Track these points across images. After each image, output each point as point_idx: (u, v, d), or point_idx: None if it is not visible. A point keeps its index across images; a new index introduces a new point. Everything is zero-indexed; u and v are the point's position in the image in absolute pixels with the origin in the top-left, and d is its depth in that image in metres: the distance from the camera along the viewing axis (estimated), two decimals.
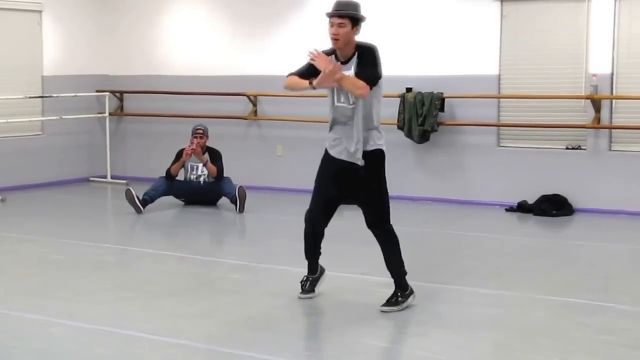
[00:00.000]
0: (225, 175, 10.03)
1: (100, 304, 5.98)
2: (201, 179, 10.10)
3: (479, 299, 6.17)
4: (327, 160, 5.83)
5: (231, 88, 11.52)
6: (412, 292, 5.87)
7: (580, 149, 9.79)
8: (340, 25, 5.56)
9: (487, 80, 10.10)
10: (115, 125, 12.55)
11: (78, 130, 12.22)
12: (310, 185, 5.95)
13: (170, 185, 9.99)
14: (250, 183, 10.65)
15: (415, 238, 8.16)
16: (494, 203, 10.05)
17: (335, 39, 5.60)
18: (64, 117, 11.69)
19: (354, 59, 5.64)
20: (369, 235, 5.86)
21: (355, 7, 5.66)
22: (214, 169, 9.92)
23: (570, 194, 9.71)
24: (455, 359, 4.93)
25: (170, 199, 10.03)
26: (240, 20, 11.62)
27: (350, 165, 5.68)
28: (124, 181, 11.77)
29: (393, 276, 5.85)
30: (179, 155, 10.03)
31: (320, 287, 6.17)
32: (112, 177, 12.14)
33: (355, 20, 5.60)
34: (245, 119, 11.53)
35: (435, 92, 10.10)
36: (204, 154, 10.02)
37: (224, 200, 10.00)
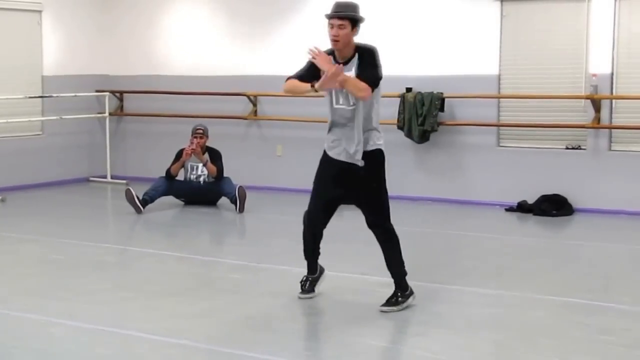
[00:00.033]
0: (225, 175, 10.02)
1: (100, 304, 5.98)
2: (201, 179, 10.09)
3: (479, 299, 6.17)
4: (326, 162, 5.82)
5: (231, 88, 11.52)
6: (412, 292, 5.87)
7: (580, 148, 9.79)
8: (340, 26, 5.54)
9: (487, 80, 10.10)
10: (115, 125, 12.55)
11: (78, 130, 12.22)
12: (310, 185, 5.95)
13: (170, 185, 9.99)
14: (250, 183, 10.65)
15: (415, 238, 8.16)
16: (494, 203, 10.05)
17: (335, 41, 5.58)
18: (64, 117, 11.69)
19: (354, 61, 5.62)
20: (369, 235, 5.86)
21: (355, 8, 5.64)
22: (213, 169, 9.92)
23: (570, 194, 9.71)
24: (455, 359, 4.93)
25: (170, 199, 10.03)
26: (241, 20, 11.62)
27: (350, 165, 5.67)
28: (124, 181, 11.77)
29: (393, 276, 5.85)
30: (179, 155, 10.03)
31: (320, 287, 6.17)
32: (112, 177, 12.14)
33: (355, 22, 5.58)
34: (245, 119, 11.53)
35: (435, 92, 10.10)
36: (204, 154, 10.02)
37: (224, 200, 10.00)
